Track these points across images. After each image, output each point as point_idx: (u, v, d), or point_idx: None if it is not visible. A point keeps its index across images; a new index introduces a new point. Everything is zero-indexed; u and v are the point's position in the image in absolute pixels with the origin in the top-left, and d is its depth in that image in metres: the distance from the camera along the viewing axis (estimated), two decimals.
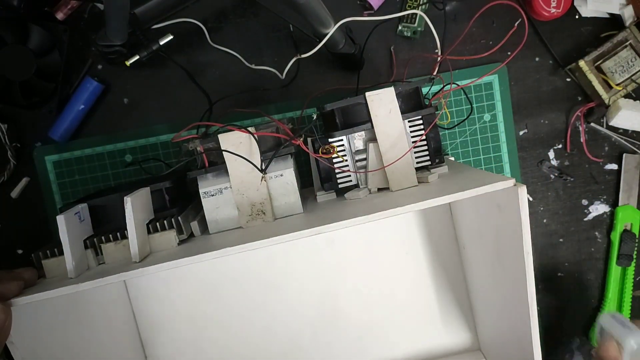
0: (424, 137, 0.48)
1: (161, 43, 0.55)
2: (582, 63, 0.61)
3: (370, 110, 0.47)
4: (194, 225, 0.47)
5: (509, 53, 0.61)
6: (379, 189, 0.48)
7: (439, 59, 0.59)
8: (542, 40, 0.63)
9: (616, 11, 0.61)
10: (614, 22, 0.62)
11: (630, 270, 0.65)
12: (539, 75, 0.64)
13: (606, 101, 0.61)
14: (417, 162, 0.49)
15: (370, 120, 0.47)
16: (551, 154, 0.65)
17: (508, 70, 0.63)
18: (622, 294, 0.66)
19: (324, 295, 0.61)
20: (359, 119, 0.48)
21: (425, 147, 0.49)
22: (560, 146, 0.65)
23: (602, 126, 0.64)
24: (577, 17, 0.63)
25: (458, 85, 0.56)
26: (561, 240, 0.66)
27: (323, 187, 0.49)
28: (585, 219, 0.66)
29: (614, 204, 0.65)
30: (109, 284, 0.39)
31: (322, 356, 0.62)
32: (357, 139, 0.49)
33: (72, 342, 0.47)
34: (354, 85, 0.60)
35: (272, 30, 0.61)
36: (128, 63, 0.55)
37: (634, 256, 0.65)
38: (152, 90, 0.61)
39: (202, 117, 0.58)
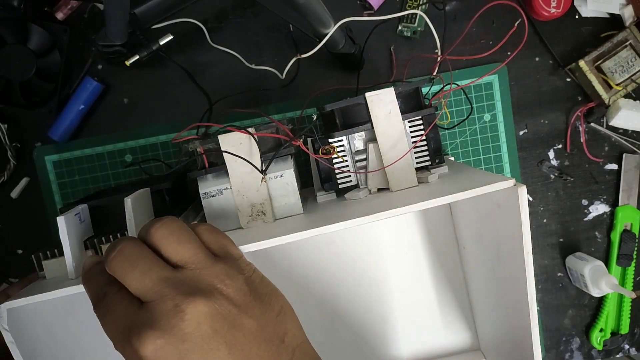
0: (424, 138, 0.48)
1: (161, 43, 0.55)
2: (582, 63, 0.61)
3: (370, 110, 0.47)
4: None
5: (509, 53, 0.61)
6: (379, 189, 0.48)
7: (439, 59, 0.59)
8: (542, 40, 0.63)
9: (616, 11, 0.61)
10: (614, 22, 0.62)
11: (630, 270, 0.65)
12: (539, 75, 0.64)
13: (606, 101, 0.61)
14: (417, 162, 0.49)
15: (370, 121, 0.47)
16: (551, 154, 0.65)
17: (508, 70, 0.63)
18: (622, 294, 0.66)
19: (323, 296, 0.61)
20: (359, 119, 0.48)
21: (425, 148, 0.49)
22: (560, 146, 0.65)
23: (602, 126, 0.64)
24: (577, 17, 0.63)
25: (458, 85, 0.56)
26: (561, 240, 0.66)
27: (323, 188, 0.49)
28: (585, 219, 0.66)
29: (614, 204, 0.65)
30: None
31: (322, 356, 0.62)
32: (357, 139, 0.49)
33: (72, 343, 0.47)
34: (354, 85, 0.60)
35: (272, 30, 0.61)
36: (128, 63, 0.55)
37: (634, 256, 0.65)
38: (152, 90, 0.61)
39: (202, 117, 0.58)
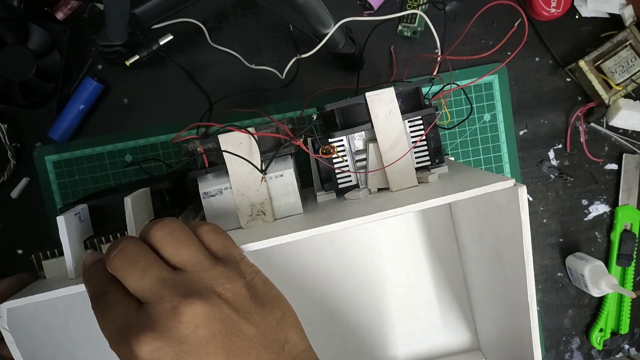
0: (424, 137, 0.48)
1: (161, 43, 0.55)
2: (582, 63, 0.61)
3: (370, 110, 0.47)
4: None
5: (509, 53, 0.61)
6: (379, 189, 0.48)
7: (439, 59, 0.59)
8: (542, 40, 0.63)
9: (616, 11, 0.61)
10: (614, 22, 0.62)
11: (630, 270, 0.65)
12: (539, 75, 0.64)
13: (606, 101, 0.61)
14: (417, 162, 0.49)
15: (370, 121, 0.47)
16: (551, 154, 0.65)
17: (508, 70, 0.63)
18: (622, 294, 0.66)
19: (323, 296, 0.61)
20: (359, 119, 0.48)
21: (425, 147, 0.49)
22: (560, 146, 0.65)
23: (602, 126, 0.64)
24: (577, 17, 0.63)
25: (458, 85, 0.56)
26: (561, 240, 0.66)
27: (323, 187, 0.49)
28: (585, 219, 0.66)
29: (614, 204, 0.65)
30: None
31: (322, 356, 0.62)
32: (357, 139, 0.49)
33: (72, 343, 0.47)
34: (354, 85, 0.60)
35: (272, 30, 0.61)
36: (128, 63, 0.55)
37: (634, 256, 0.65)
38: (152, 90, 0.61)
39: (202, 117, 0.58)
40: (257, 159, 0.46)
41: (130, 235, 0.33)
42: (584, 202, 0.66)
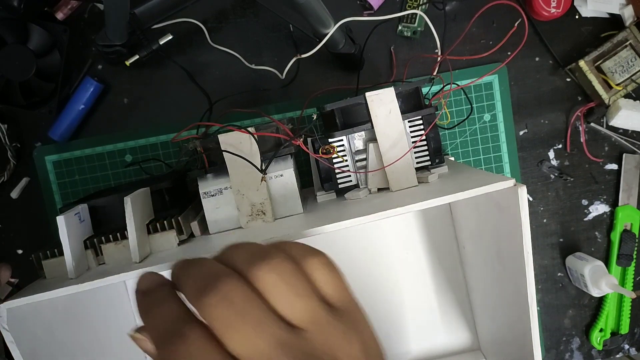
0: (424, 137, 0.48)
1: (161, 43, 0.55)
2: (582, 63, 0.61)
3: (370, 110, 0.47)
4: (194, 226, 0.47)
5: (509, 53, 0.61)
6: (379, 189, 0.48)
7: (439, 59, 0.59)
8: (542, 40, 0.63)
9: (616, 11, 0.61)
10: (614, 22, 0.62)
11: (630, 270, 0.65)
12: (539, 75, 0.64)
13: (606, 101, 0.61)
14: (417, 162, 0.49)
15: (370, 121, 0.47)
16: (551, 154, 0.65)
17: (508, 70, 0.63)
18: (622, 294, 0.66)
19: None
20: (359, 119, 0.48)
21: (425, 147, 0.49)
22: (560, 146, 0.65)
23: (602, 126, 0.64)
24: (577, 17, 0.63)
25: (458, 85, 0.56)
26: (561, 240, 0.66)
27: (323, 187, 0.49)
28: (585, 219, 0.66)
29: (614, 204, 0.65)
30: (109, 285, 0.39)
31: None
32: (357, 139, 0.49)
33: (72, 342, 0.47)
34: (354, 85, 0.60)
35: (272, 30, 0.61)
36: (128, 63, 0.55)
37: (634, 256, 0.65)
38: (152, 90, 0.61)
39: (202, 117, 0.58)
40: (257, 159, 0.46)
41: (228, 271, 0.24)
42: (584, 202, 0.66)
